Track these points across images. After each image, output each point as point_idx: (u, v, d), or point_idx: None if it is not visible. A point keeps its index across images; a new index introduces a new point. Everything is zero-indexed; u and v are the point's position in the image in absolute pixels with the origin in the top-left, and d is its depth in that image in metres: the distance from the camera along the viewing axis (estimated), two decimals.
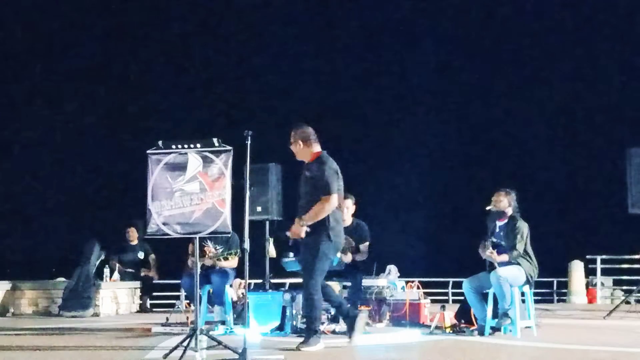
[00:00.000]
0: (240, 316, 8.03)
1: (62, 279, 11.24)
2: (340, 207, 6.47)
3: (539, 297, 15.12)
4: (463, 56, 24.14)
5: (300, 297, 7.02)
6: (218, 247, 8.22)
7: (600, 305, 13.35)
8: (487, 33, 23.61)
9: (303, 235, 6.29)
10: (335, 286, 7.67)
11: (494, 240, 7.41)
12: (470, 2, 24.00)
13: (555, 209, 22.46)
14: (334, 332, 7.23)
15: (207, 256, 8.12)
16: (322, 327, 6.71)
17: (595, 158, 21.61)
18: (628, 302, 10.70)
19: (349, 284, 8.14)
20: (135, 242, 11.97)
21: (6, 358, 6.17)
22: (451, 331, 7.50)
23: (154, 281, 12.12)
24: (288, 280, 9.80)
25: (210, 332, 6.29)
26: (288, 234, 6.51)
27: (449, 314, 7.81)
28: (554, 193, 22.93)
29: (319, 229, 6.27)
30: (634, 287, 11.43)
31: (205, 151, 5.85)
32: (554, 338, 7.16)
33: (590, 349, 6.41)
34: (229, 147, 5.85)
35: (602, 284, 15.13)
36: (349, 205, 8.22)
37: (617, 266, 14.70)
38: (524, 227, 7.36)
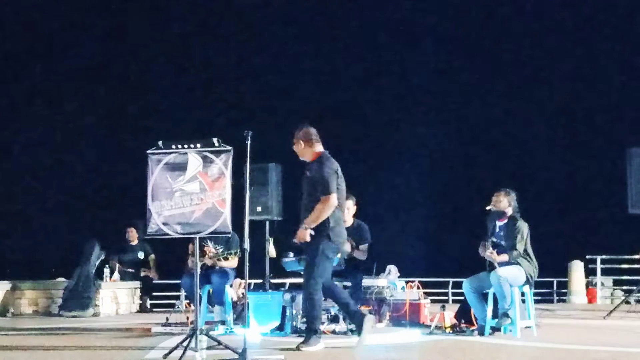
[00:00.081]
0: (240, 316, 8.03)
1: (62, 279, 11.25)
2: (341, 207, 6.48)
3: (539, 297, 15.11)
4: (463, 56, 24.09)
5: (300, 297, 7.03)
6: (218, 247, 8.21)
7: (600, 305, 13.34)
8: (487, 33, 23.57)
9: (308, 238, 6.33)
10: None
11: (494, 240, 7.41)
12: (470, 2, 23.94)
13: (555, 209, 22.40)
14: (334, 332, 7.25)
15: (207, 256, 8.11)
16: (322, 327, 6.71)
17: (595, 158, 21.56)
18: (628, 302, 10.69)
19: (349, 284, 8.14)
20: (135, 242, 11.97)
21: (6, 358, 6.17)
22: (451, 331, 7.51)
23: (154, 281, 12.13)
24: (288, 280, 9.81)
25: (210, 332, 6.29)
26: (295, 240, 6.53)
27: (449, 314, 7.81)
28: (554, 193, 22.87)
29: (319, 229, 6.33)
30: (634, 287, 11.44)
31: (205, 151, 5.85)
32: (554, 338, 7.16)
33: (590, 349, 6.41)
34: (229, 147, 5.85)
35: (602, 284, 15.13)
36: (350, 206, 8.22)
37: (617, 266, 14.72)
38: (524, 227, 7.37)
